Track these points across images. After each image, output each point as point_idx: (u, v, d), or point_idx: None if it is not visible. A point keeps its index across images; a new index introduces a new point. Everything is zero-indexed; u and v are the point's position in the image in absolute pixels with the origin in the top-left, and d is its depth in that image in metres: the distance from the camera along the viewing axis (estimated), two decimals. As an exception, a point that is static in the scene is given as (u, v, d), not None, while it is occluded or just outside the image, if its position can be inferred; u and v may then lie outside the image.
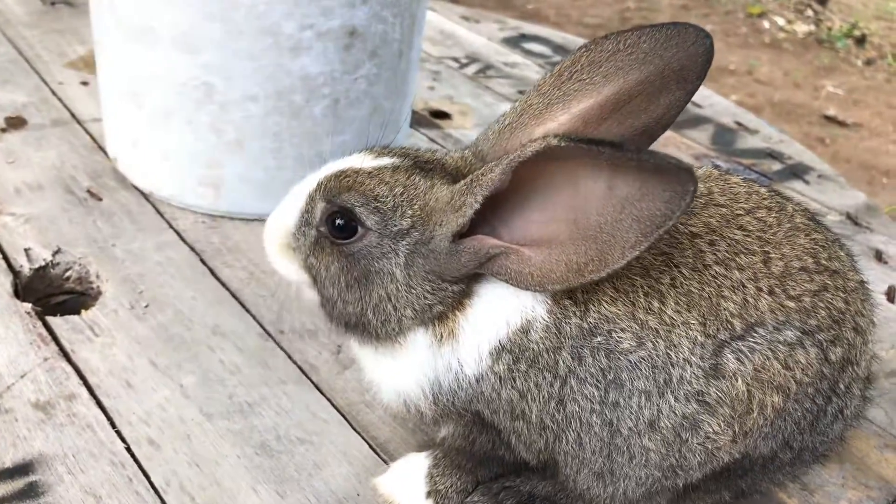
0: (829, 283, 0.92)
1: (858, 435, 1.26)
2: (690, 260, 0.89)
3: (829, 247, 0.96)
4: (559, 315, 0.88)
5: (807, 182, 2.01)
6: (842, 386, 0.94)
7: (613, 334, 0.87)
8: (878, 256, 1.72)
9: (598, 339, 0.87)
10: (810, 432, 0.95)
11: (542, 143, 0.77)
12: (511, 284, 0.85)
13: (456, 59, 2.46)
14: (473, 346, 0.90)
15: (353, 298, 0.92)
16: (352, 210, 0.89)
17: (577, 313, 0.87)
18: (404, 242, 0.89)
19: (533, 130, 0.92)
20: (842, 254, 0.97)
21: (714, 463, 0.91)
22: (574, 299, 0.88)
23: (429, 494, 1.06)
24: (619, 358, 0.87)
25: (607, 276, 0.81)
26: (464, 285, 0.90)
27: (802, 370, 0.89)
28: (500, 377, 0.90)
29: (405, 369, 0.94)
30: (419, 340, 0.92)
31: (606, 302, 0.87)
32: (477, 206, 0.83)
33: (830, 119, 4.99)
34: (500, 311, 0.89)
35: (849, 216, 1.87)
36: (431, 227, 0.88)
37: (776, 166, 2.06)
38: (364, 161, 0.94)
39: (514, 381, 0.90)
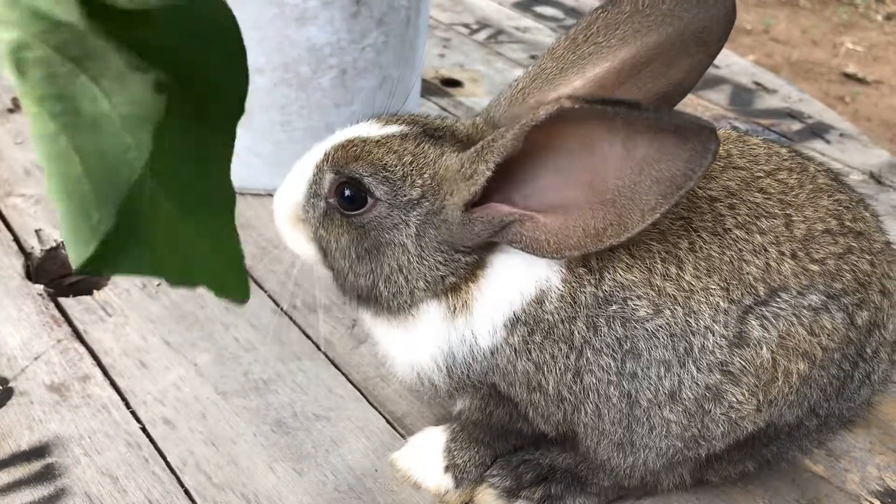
0: (853, 245, 0.89)
1: (885, 399, 1.23)
2: (710, 224, 0.86)
3: (853, 207, 0.92)
4: (574, 284, 0.85)
5: (828, 141, 1.96)
6: (869, 350, 0.91)
7: (629, 302, 0.85)
8: (903, 216, 1.68)
9: (614, 307, 0.85)
10: (837, 399, 0.92)
11: (555, 107, 0.74)
12: (527, 252, 0.83)
13: (466, 25, 2.42)
14: (487, 318, 0.88)
15: (365, 271, 0.90)
16: (360, 180, 0.87)
17: (592, 281, 0.85)
18: (415, 213, 0.87)
19: (546, 95, 0.89)
20: (867, 214, 0.94)
21: (738, 433, 0.89)
22: (588, 267, 0.85)
23: (447, 469, 1.04)
24: (635, 327, 0.85)
25: (626, 241, 0.78)
26: (477, 256, 0.88)
27: (828, 335, 0.86)
28: (516, 349, 0.88)
29: (418, 342, 0.92)
30: (432, 312, 0.90)
31: (622, 269, 0.85)
32: (489, 173, 0.81)
33: (850, 77, 4.90)
34: (514, 282, 0.87)
35: (872, 175, 1.82)
36: (442, 197, 0.86)
37: (796, 126, 2.02)
38: (372, 129, 0.91)
39: (530, 353, 0.88)
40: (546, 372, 0.88)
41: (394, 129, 0.91)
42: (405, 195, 0.86)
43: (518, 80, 0.93)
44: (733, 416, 0.87)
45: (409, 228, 0.87)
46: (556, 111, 0.74)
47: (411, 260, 0.88)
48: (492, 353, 0.89)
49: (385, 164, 0.87)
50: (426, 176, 0.86)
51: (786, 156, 0.94)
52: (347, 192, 0.88)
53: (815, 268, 0.86)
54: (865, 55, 5.22)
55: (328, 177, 0.90)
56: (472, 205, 0.84)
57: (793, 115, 2.07)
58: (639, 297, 0.84)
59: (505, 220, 0.82)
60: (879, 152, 1.93)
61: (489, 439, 1.03)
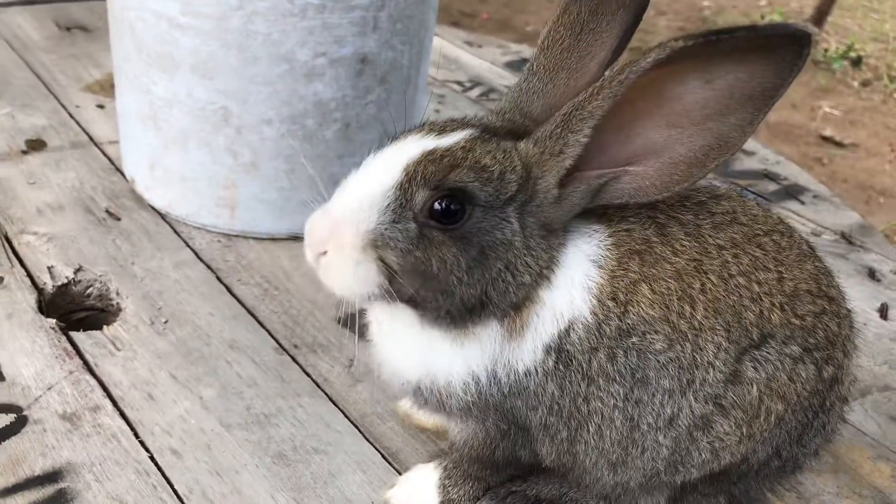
0: (827, 307, 0.97)
1: (853, 446, 1.31)
2: (717, 269, 0.93)
3: (827, 275, 1.01)
4: (601, 315, 0.91)
5: (802, 202, 2.06)
6: (828, 403, 0.99)
7: (648, 336, 0.90)
8: (872, 275, 1.78)
9: (634, 339, 0.91)
10: (797, 443, 1.00)
11: (663, 50, 0.77)
12: (633, 201, 0.88)
13: (460, 83, 2.53)
14: (531, 343, 0.92)
15: (475, 278, 0.88)
16: (464, 189, 0.86)
17: (618, 314, 0.91)
18: (512, 208, 0.88)
19: (586, 66, 0.96)
20: (836, 283, 1.02)
21: (716, 463, 0.96)
22: (616, 300, 0.91)
23: None
24: (648, 358, 0.91)
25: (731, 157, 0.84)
26: (560, 240, 0.92)
27: (802, 384, 0.94)
28: (547, 373, 0.92)
29: (467, 357, 0.94)
30: (492, 331, 0.93)
31: (645, 304, 0.90)
32: (586, 139, 0.84)
33: (828, 139, 5.06)
34: (555, 311, 0.91)
35: (843, 235, 1.92)
36: (532, 183, 0.88)
37: (772, 187, 2.12)
38: (438, 140, 0.89)
39: (556, 378, 0.92)
40: (565, 395, 0.93)
41: (463, 133, 0.90)
42: (505, 192, 0.88)
43: (532, 69, 0.98)
44: (717, 445, 0.95)
45: (511, 224, 0.88)
46: (667, 53, 0.77)
47: (517, 255, 0.89)
48: (525, 376, 0.93)
49: (484, 165, 0.86)
50: (517, 168, 0.88)
51: (777, 220, 1.02)
52: (449, 206, 0.86)
53: (797, 322, 0.94)
54: (842, 119, 5.39)
55: (421, 195, 0.86)
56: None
57: (769, 176, 2.17)
58: (656, 332, 0.91)
59: (600, 182, 0.88)
60: (850, 214, 2.03)
61: (483, 473, 1.09)
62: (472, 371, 0.94)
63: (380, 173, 0.88)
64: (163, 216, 1.67)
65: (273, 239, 1.64)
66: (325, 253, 0.88)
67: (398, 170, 0.87)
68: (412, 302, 0.90)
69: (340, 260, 0.87)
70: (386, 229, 0.86)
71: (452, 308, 0.90)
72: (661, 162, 0.86)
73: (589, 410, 0.94)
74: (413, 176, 0.86)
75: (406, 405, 1.23)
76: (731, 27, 0.77)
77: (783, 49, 0.78)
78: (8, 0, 2.64)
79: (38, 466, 1.10)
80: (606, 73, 0.82)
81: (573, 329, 0.91)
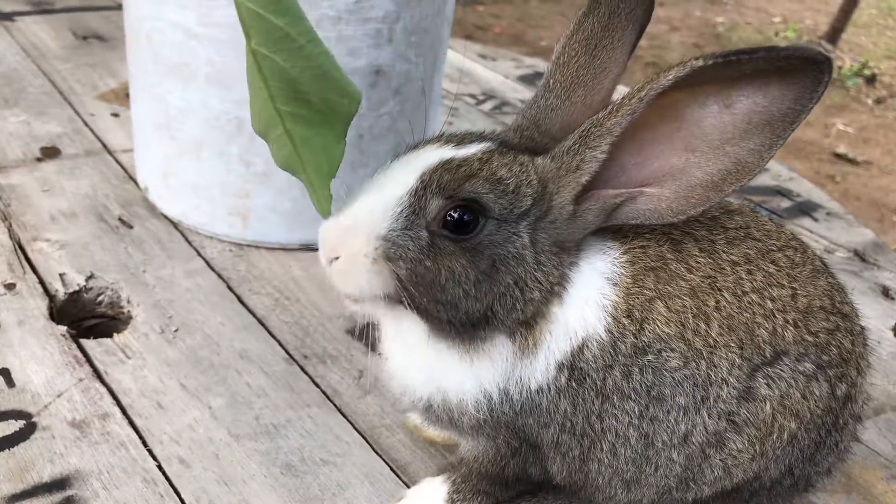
0: (841, 324, 0.96)
1: (865, 466, 1.30)
2: (731, 285, 0.92)
3: (841, 291, 1.00)
4: (616, 333, 0.90)
5: (815, 219, 2.05)
6: (841, 421, 0.98)
7: (664, 353, 0.90)
8: (886, 293, 1.76)
9: (649, 357, 0.90)
10: (810, 461, 0.99)
11: (684, 68, 0.77)
12: (647, 222, 0.88)
13: (473, 96, 2.53)
14: (546, 360, 0.91)
15: (483, 292, 0.87)
16: (478, 200, 0.85)
17: (633, 332, 0.90)
18: (525, 223, 0.87)
19: (601, 83, 0.96)
20: (850, 300, 1.02)
21: (728, 480, 0.96)
22: (632, 318, 0.90)
23: (450, 519, 1.09)
24: (664, 375, 0.90)
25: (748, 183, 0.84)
26: (574, 257, 0.91)
27: (815, 401, 0.94)
28: (560, 391, 0.92)
29: (479, 373, 0.93)
30: (504, 348, 0.92)
31: (661, 322, 0.90)
32: (603, 156, 0.84)
33: (841, 157, 5.05)
34: (568, 329, 0.91)
35: (856, 253, 1.91)
36: (548, 199, 0.88)
37: (785, 203, 2.11)
38: (455, 150, 0.89)
39: (569, 395, 0.92)
40: (578, 412, 0.93)
41: (481, 145, 0.90)
42: (520, 206, 0.87)
43: (548, 85, 0.97)
44: (729, 462, 0.94)
45: (523, 239, 0.88)
46: (687, 72, 0.77)
47: (527, 270, 0.88)
48: (538, 393, 0.93)
49: (500, 177, 0.86)
50: (534, 182, 0.88)
51: (790, 236, 1.01)
52: (462, 216, 0.85)
53: (810, 339, 0.94)
54: (856, 137, 5.38)
55: (435, 203, 0.85)
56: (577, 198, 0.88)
57: (782, 192, 2.16)
58: (672, 350, 0.90)
59: (616, 202, 0.87)
60: (864, 231, 2.02)
61: (492, 489, 1.08)
62: (483, 389, 0.94)
63: (395, 180, 0.88)
64: (175, 225, 1.67)
65: (285, 249, 1.64)
66: (337, 258, 0.88)
67: (413, 177, 0.87)
68: (418, 310, 0.89)
69: (351, 264, 0.87)
70: (398, 236, 0.86)
71: (455, 320, 0.89)
72: (677, 184, 0.86)
73: (603, 428, 0.93)
74: (428, 183, 0.86)
75: (415, 418, 1.23)
76: (751, 48, 0.77)
77: (803, 75, 0.78)
78: (25, 9, 2.67)
79: (47, 473, 1.10)
80: (626, 89, 0.82)
81: (587, 346, 0.91)
